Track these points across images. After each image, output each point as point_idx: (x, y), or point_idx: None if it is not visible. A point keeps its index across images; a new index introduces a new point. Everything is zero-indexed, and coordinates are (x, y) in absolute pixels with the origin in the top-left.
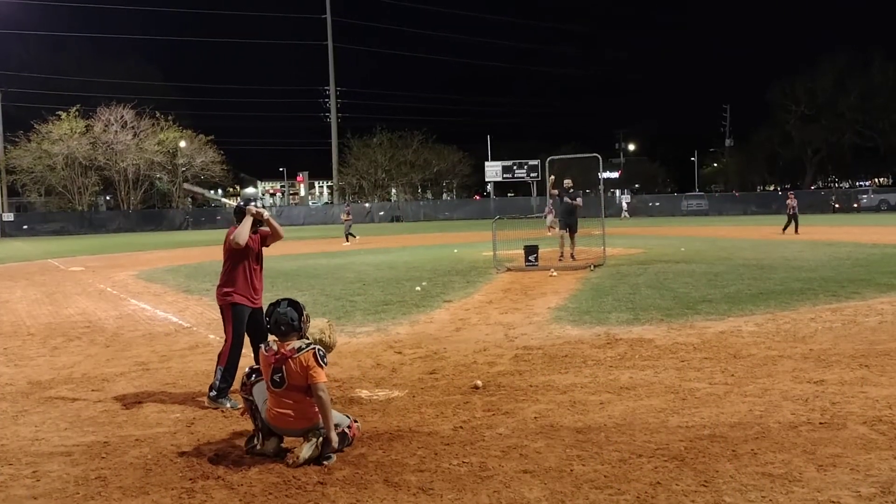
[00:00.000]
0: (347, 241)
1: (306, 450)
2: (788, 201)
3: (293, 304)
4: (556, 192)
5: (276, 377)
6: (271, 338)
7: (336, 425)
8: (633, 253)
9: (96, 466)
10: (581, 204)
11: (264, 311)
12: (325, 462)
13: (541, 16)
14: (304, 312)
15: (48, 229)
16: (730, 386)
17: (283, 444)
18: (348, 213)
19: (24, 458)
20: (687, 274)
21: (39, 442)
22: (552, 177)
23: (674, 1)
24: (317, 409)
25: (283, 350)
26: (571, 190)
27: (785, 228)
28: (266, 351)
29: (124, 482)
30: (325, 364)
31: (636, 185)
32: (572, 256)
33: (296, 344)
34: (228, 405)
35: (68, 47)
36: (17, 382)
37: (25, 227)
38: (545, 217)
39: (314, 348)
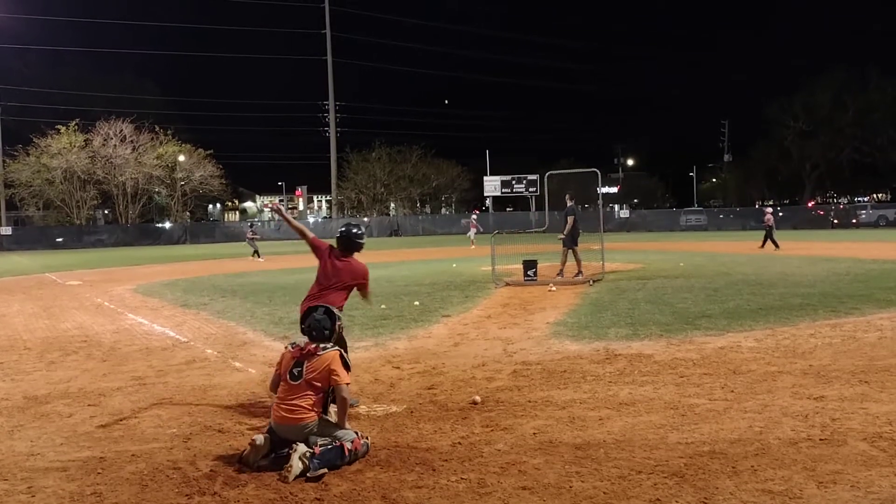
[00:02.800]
0: (259, 257)
1: (297, 463)
2: (766, 217)
3: (328, 312)
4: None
5: (296, 370)
6: (301, 338)
7: (336, 438)
8: (632, 268)
9: (92, 482)
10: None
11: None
12: (310, 474)
13: (540, 31)
14: (338, 323)
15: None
16: (729, 402)
17: (265, 449)
18: (253, 232)
19: (20, 474)
20: (686, 289)
21: (35, 457)
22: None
23: (673, 18)
24: (317, 410)
25: (308, 347)
26: (568, 204)
27: (763, 244)
28: (292, 348)
29: (120, 498)
30: (349, 368)
31: (635, 200)
32: (577, 273)
33: (322, 344)
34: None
35: (67, 62)
36: (13, 397)
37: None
38: (469, 233)
39: (339, 350)
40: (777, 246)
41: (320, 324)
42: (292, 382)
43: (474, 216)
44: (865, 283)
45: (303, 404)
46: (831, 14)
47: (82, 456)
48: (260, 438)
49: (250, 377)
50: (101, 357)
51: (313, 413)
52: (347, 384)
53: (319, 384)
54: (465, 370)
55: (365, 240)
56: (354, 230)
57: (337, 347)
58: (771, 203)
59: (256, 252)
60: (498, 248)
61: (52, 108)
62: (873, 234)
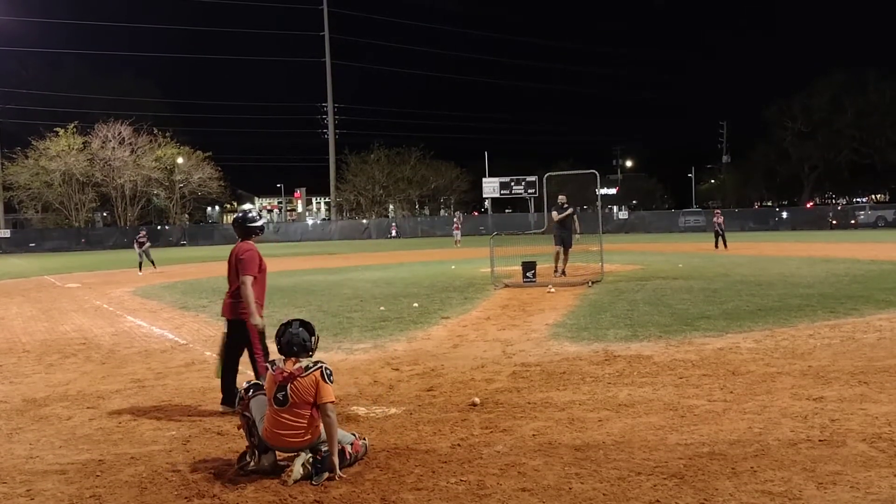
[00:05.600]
0: (153, 267)
1: (298, 468)
2: (715, 219)
3: (305, 324)
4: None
5: (280, 395)
6: (279, 357)
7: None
8: (631, 269)
9: (91, 485)
10: (557, 217)
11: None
12: (314, 482)
13: (539, 33)
14: (316, 334)
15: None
16: (728, 403)
17: (278, 460)
18: (145, 237)
19: (19, 477)
20: (685, 290)
21: (34, 460)
22: (562, 197)
23: (671, 19)
24: (316, 426)
25: (291, 369)
26: (565, 206)
27: (717, 245)
28: (273, 370)
29: (119, 501)
30: (332, 381)
31: (634, 202)
32: (563, 272)
33: (304, 363)
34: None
35: (66, 64)
36: (12, 400)
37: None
38: (454, 233)
39: (321, 367)
40: (716, 246)
41: (299, 336)
42: (278, 408)
43: (457, 218)
44: (864, 284)
45: (299, 429)
46: (830, 16)
47: (81, 459)
48: (266, 462)
49: (249, 379)
50: (99, 360)
51: (310, 435)
52: (333, 402)
53: (309, 399)
54: (465, 372)
55: (262, 222)
56: (249, 214)
57: (320, 363)
58: (769, 204)
59: (143, 263)
60: (497, 249)
61: (51, 110)
62: (872, 234)
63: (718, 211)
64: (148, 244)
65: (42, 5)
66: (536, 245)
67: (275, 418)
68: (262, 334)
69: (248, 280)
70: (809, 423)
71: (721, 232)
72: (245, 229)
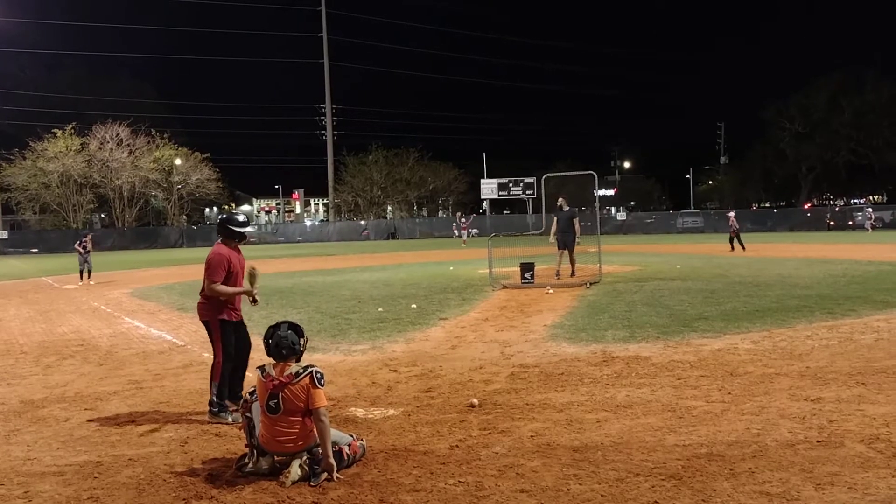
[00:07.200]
0: (88, 278)
1: (295, 469)
2: (730, 222)
3: (294, 326)
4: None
5: (272, 403)
6: (268, 361)
7: (333, 443)
8: (629, 270)
9: (89, 486)
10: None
11: (265, 333)
12: (312, 483)
13: (536, 34)
14: (305, 336)
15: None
16: (727, 404)
17: (276, 461)
18: (90, 241)
19: (16, 478)
20: (683, 291)
21: (31, 461)
22: (561, 199)
23: (668, 20)
24: (311, 430)
25: (280, 377)
26: (564, 207)
27: (732, 247)
28: (263, 377)
29: (117, 502)
30: (323, 385)
31: (632, 203)
32: (572, 273)
33: (293, 369)
34: (230, 419)
35: (64, 65)
36: (10, 401)
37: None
38: (460, 233)
39: (311, 371)
40: (732, 248)
41: (287, 340)
42: (270, 416)
43: (464, 220)
44: (862, 285)
45: (293, 435)
46: (828, 16)
47: (79, 460)
48: (264, 465)
49: (247, 380)
50: (97, 361)
51: (302, 441)
52: (325, 406)
53: (301, 405)
54: (463, 373)
55: (246, 230)
56: (236, 217)
57: (310, 368)
58: (767, 205)
59: (88, 271)
60: (495, 250)
61: (49, 111)
62: (869, 235)
63: (732, 213)
64: (91, 250)
65: (40, 6)
66: (535, 246)
67: (269, 425)
68: (228, 338)
69: (215, 285)
70: (807, 424)
71: (733, 233)
72: (227, 231)
